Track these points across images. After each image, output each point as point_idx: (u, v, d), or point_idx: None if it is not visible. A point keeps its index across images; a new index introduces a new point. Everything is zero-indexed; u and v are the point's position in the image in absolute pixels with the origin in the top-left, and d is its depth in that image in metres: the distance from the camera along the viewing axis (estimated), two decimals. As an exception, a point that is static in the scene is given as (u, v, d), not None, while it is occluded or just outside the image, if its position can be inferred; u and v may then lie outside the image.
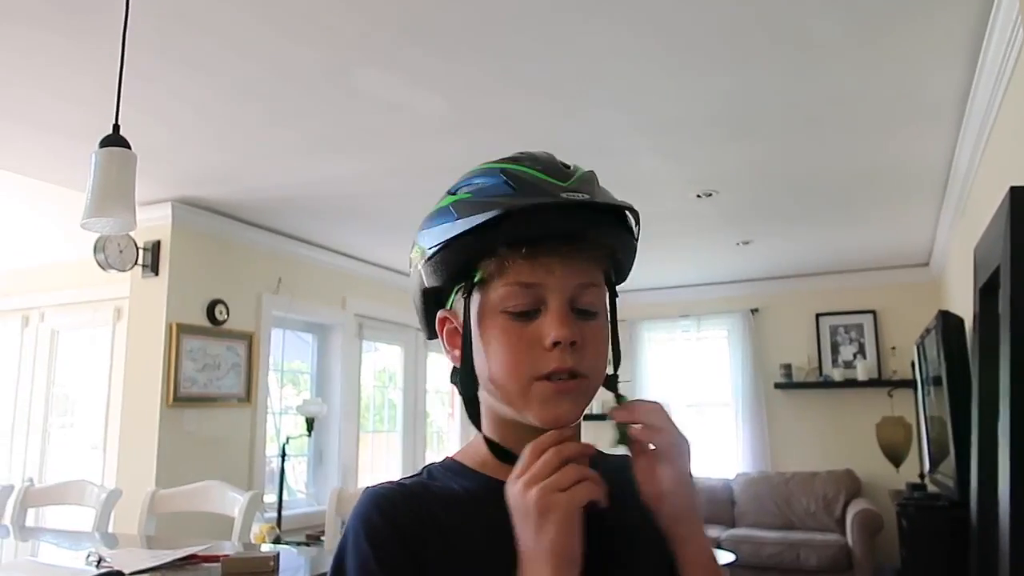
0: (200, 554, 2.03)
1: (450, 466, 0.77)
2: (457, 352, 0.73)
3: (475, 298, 0.71)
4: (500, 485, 0.67)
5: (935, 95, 2.76)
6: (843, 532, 5.04)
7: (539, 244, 0.67)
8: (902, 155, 3.39)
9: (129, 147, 1.84)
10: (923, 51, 2.44)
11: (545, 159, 0.72)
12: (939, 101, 2.81)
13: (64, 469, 4.96)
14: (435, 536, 0.68)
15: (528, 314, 0.68)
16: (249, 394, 4.37)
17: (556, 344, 0.66)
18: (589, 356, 0.69)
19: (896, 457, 4.92)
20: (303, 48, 2.39)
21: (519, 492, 0.64)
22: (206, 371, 4.12)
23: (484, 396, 0.73)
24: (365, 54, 2.44)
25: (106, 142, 1.82)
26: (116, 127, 1.86)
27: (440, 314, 0.76)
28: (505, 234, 0.67)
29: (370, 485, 0.73)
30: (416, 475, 0.76)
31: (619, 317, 0.76)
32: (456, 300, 0.73)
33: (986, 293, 2.79)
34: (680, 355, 6.36)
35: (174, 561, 1.96)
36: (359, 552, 0.67)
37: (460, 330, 0.73)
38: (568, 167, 0.72)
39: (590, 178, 0.72)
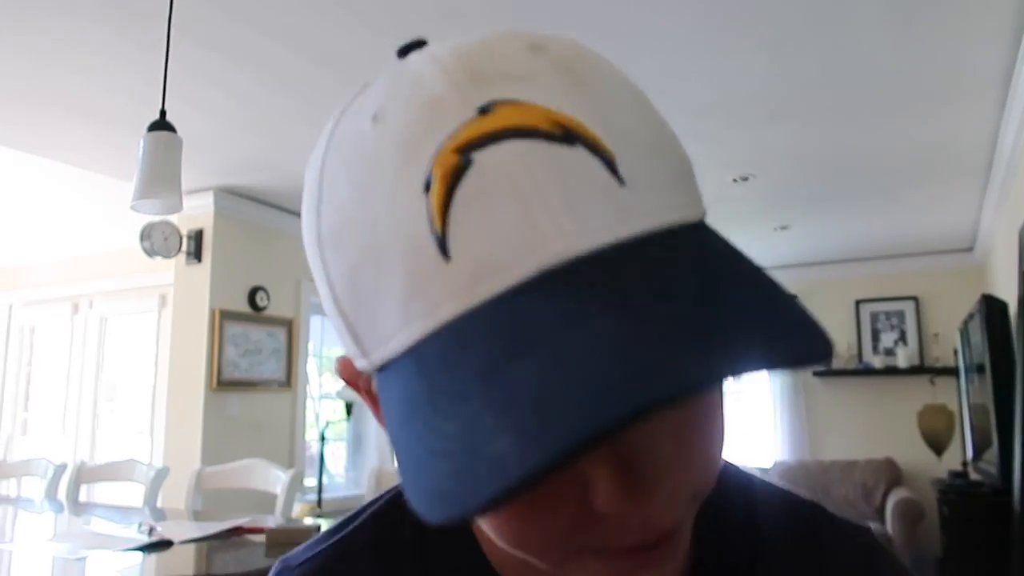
0: (245, 527, 2.10)
1: (455, 545, 0.43)
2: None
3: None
4: None
5: (978, 72, 2.70)
6: (883, 521, 4.98)
7: None
8: (944, 136, 3.32)
9: (175, 132, 1.91)
10: (965, 26, 2.39)
11: None
12: (983, 78, 2.75)
13: (113, 453, 5.12)
14: None
15: None
16: (289, 379, 4.46)
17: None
18: (680, 486, 0.33)
19: (938, 445, 4.84)
20: (342, 35, 2.43)
21: None
22: (248, 356, 4.22)
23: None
24: (403, 40, 2.46)
25: (154, 127, 1.89)
26: (163, 113, 1.93)
27: (344, 356, 0.36)
28: None
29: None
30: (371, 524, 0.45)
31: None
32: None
33: (1031, 275, 2.74)
34: (716, 343, 6.31)
35: (220, 532, 2.03)
36: None
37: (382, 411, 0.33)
38: None
39: None
